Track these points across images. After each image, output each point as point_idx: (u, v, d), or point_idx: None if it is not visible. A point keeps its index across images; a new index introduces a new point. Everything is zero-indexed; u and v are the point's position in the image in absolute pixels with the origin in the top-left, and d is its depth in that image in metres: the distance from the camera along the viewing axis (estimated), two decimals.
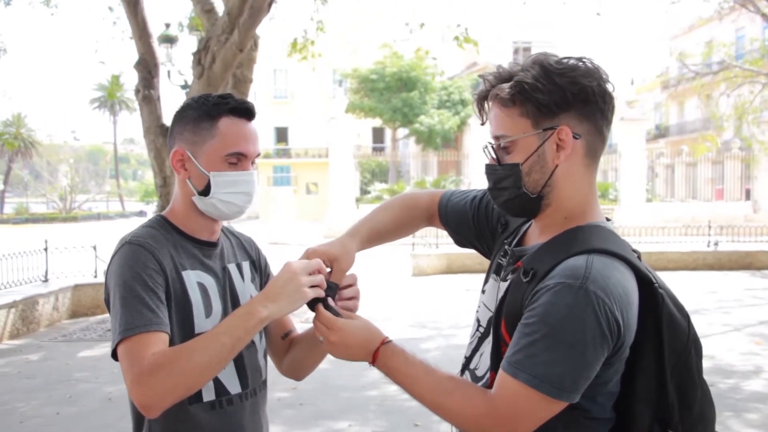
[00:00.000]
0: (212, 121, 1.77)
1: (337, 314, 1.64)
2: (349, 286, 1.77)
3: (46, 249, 10.60)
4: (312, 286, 1.64)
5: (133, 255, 1.70)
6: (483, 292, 1.80)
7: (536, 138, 1.53)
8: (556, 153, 1.53)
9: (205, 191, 1.79)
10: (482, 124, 1.63)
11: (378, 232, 1.95)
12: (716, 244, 16.42)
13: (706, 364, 6.16)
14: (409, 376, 1.55)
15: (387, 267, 16.26)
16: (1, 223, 44.05)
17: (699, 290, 12.58)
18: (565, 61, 1.53)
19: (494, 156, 1.61)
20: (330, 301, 1.68)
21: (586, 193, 1.59)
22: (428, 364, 1.57)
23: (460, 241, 2.03)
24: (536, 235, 1.66)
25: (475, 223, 1.94)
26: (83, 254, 11.26)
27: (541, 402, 1.42)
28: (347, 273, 1.78)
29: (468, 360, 1.75)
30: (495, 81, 1.57)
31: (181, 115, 1.84)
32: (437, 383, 1.53)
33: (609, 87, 1.55)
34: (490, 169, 1.62)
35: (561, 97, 1.50)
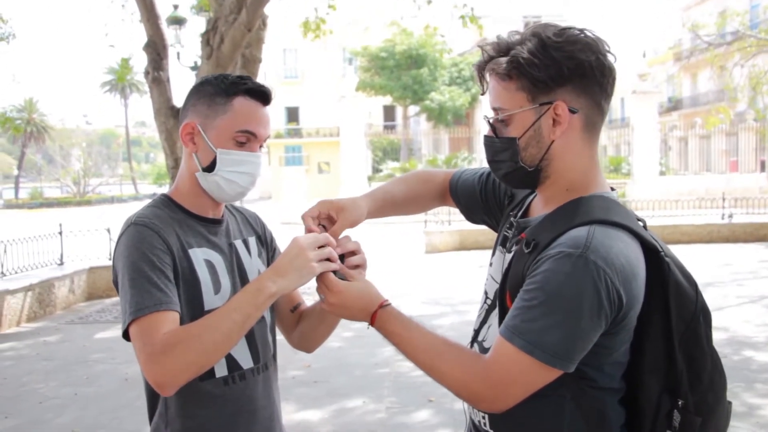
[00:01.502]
0: (227, 97, 1.78)
1: (342, 278, 1.66)
2: (353, 253, 1.75)
3: (60, 233, 10.68)
4: (322, 260, 1.65)
5: (140, 235, 1.70)
6: (490, 264, 1.81)
7: (532, 113, 1.53)
8: (552, 128, 1.53)
9: (210, 167, 1.79)
10: (482, 93, 1.63)
11: (392, 197, 1.96)
12: (730, 216, 16.33)
13: (720, 336, 6.15)
14: (404, 338, 1.57)
15: (400, 244, 16.29)
16: (16, 207, 44.42)
17: (713, 263, 12.54)
18: (564, 33, 1.50)
19: (491, 128, 1.61)
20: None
21: (586, 164, 1.58)
22: (425, 328, 1.59)
23: (471, 217, 2.04)
24: (540, 206, 1.66)
25: (483, 198, 1.95)
26: (97, 237, 11.33)
27: (534, 368, 1.42)
28: (352, 240, 1.77)
29: (476, 332, 1.75)
30: (493, 52, 1.56)
31: (197, 89, 1.84)
32: (431, 345, 1.54)
33: (610, 59, 1.53)
34: (488, 141, 1.62)
35: (557, 72, 1.48)
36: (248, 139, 1.79)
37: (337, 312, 1.66)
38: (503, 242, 1.75)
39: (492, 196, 1.93)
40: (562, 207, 1.56)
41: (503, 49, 1.54)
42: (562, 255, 1.42)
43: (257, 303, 1.63)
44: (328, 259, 1.66)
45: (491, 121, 1.60)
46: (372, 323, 1.62)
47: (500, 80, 1.54)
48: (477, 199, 1.97)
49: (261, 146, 1.85)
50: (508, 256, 1.65)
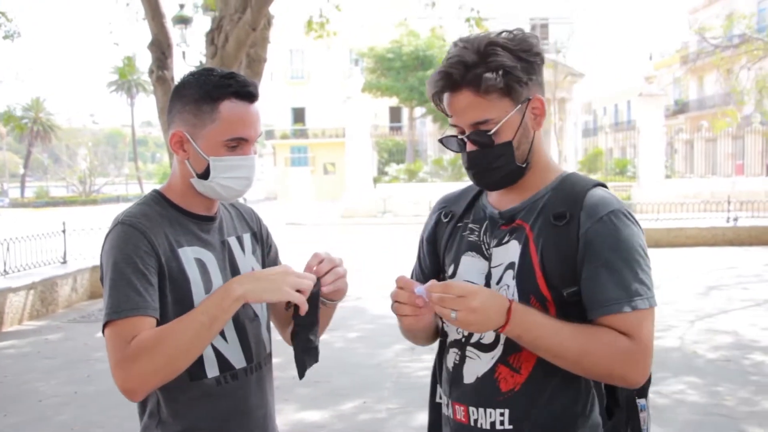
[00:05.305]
0: (213, 103, 1.71)
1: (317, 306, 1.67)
2: (330, 271, 1.72)
3: (64, 231, 10.69)
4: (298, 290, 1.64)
5: (125, 236, 1.68)
6: (453, 274, 1.77)
7: (518, 113, 1.62)
8: (534, 121, 1.66)
9: (204, 175, 1.75)
10: (450, 116, 1.68)
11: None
12: (736, 219, 16.26)
13: (726, 339, 6.13)
14: (550, 327, 1.54)
15: (407, 239, 16.27)
16: (22, 206, 44.55)
17: (718, 266, 12.47)
18: (512, 35, 1.62)
19: (478, 142, 1.64)
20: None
21: (541, 143, 1.72)
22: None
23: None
24: (512, 197, 1.71)
25: (433, 261, 1.91)
26: (101, 236, 11.31)
27: (653, 316, 1.59)
28: (324, 256, 1.73)
29: (468, 335, 1.71)
30: (465, 71, 1.59)
31: (180, 94, 1.77)
32: (576, 329, 1.55)
33: None
34: (479, 154, 1.66)
35: (532, 69, 1.62)
36: (239, 144, 1.75)
37: (478, 317, 1.49)
38: (472, 248, 1.75)
39: (433, 250, 1.90)
40: (561, 183, 1.68)
41: (472, 63, 1.58)
42: (613, 214, 1.58)
43: (224, 306, 1.61)
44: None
45: (474, 137, 1.64)
46: (507, 322, 1.52)
47: (485, 94, 1.59)
48: (436, 266, 1.90)
49: (255, 140, 1.80)
50: (500, 250, 1.68)
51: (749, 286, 10.51)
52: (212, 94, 1.71)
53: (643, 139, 25.41)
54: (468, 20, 11.74)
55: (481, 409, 1.66)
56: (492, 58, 1.57)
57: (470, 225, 1.78)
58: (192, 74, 1.79)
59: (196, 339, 1.59)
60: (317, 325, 1.73)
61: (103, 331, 1.63)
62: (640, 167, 25.83)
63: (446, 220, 1.86)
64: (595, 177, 22.88)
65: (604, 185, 1.68)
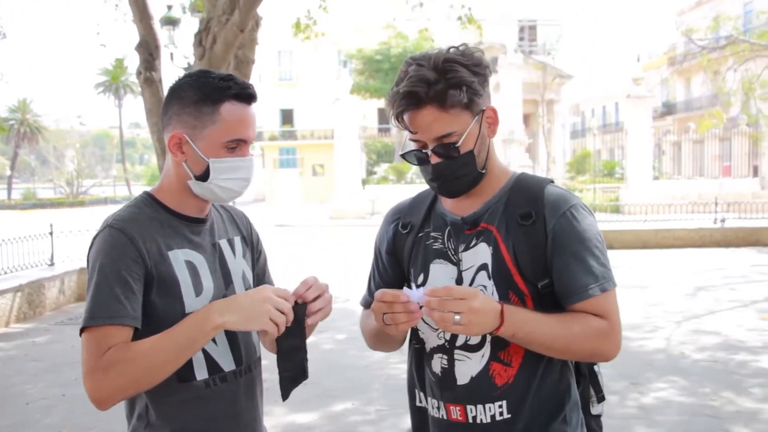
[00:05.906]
0: (214, 105, 1.71)
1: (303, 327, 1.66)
2: (318, 297, 1.70)
3: (51, 233, 10.63)
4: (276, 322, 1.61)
5: (112, 240, 1.68)
6: (423, 283, 1.80)
7: (477, 124, 1.71)
8: (490, 129, 1.76)
9: (203, 176, 1.75)
10: (413, 132, 1.70)
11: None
12: (723, 221, 16.36)
13: (713, 340, 6.15)
14: (538, 321, 1.63)
15: None
16: (9, 208, 44.19)
17: (706, 267, 12.55)
18: (460, 51, 1.69)
19: (443, 154, 1.69)
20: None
21: (494, 149, 1.82)
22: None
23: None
24: (469, 202, 1.78)
25: (394, 268, 1.94)
26: (89, 238, 11.24)
27: (616, 293, 1.73)
28: (312, 282, 1.71)
29: (451, 339, 1.75)
30: (427, 88, 1.64)
31: (179, 95, 1.76)
32: (560, 319, 1.65)
33: None
34: (444, 165, 1.71)
35: (486, 81, 1.72)
36: (238, 145, 1.76)
37: (478, 319, 1.54)
38: (439, 255, 1.80)
39: (394, 261, 1.93)
40: (516, 184, 1.78)
41: (434, 82, 1.63)
42: (573, 208, 1.71)
43: (204, 331, 1.61)
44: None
45: (439, 150, 1.69)
46: (502, 323, 1.58)
47: (449, 108, 1.65)
48: (398, 276, 1.94)
49: (252, 141, 1.82)
50: (469, 253, 1.74)
51: (736, 287, 10.57)
52: (213, 96, 1.72)
53: (631, 140, 25.53)
54: (460, 18, 11.72)
55: (479, 406, 1.72)
56: (451, 74, 1.64)
57: (432, 234, 1.83)
58: (189, 76, 1.79)
59: (171, 359, 1.60)
60: (305, 350, 1.73)
61: (80, 334, 1.63)
62: (628, 169, 25.96)
63: (405, 231, 1.90)
64: (584, 179, 23.10)
65: (553, 181, 1.81)
